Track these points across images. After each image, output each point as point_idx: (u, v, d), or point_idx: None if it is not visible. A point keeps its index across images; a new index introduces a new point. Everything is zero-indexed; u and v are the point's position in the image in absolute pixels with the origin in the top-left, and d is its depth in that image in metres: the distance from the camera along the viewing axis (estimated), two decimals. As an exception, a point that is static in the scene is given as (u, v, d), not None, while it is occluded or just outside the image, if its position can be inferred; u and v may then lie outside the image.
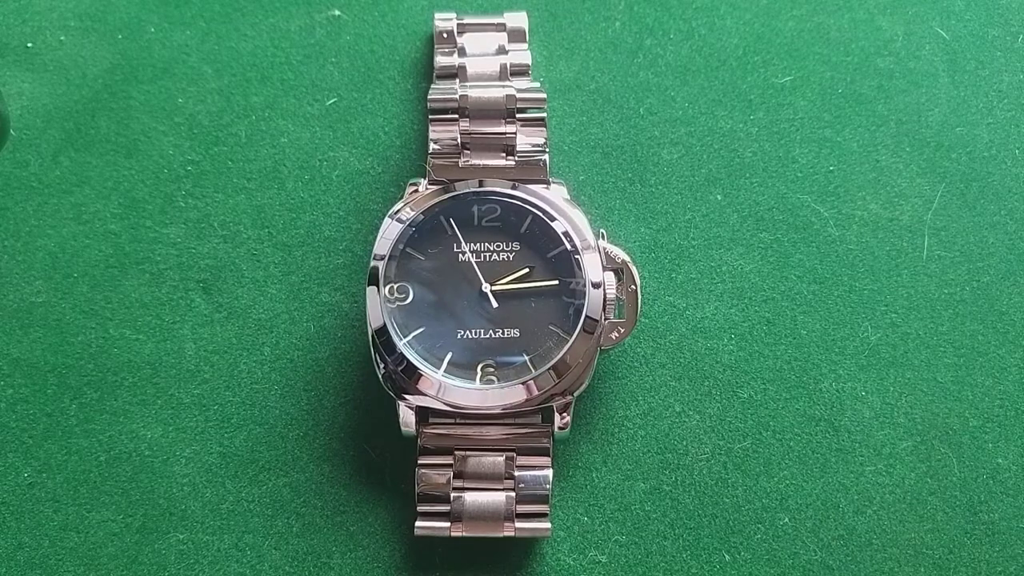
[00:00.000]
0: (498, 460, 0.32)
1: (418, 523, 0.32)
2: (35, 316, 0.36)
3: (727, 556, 0.33)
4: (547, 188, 0.33)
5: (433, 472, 0.32)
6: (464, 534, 0.32)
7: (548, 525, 0.32)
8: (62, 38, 0.39)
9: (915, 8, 0.38)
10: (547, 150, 0.33)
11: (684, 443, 0.34)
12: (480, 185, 0.33)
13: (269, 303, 0.36)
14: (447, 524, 0.32)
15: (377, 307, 0.32)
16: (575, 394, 0.32)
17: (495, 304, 0.32)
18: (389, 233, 0.33)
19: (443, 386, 0.32)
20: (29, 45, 0.39)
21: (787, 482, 0.34)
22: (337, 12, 0.39)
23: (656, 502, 0.34)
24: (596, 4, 0.39)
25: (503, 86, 0.34)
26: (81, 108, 0.38)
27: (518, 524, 0.32)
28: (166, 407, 0.35)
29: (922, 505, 0.34)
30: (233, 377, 0.35)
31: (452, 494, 0.32)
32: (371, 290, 0.32)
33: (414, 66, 0.39)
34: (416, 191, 0.33)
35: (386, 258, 0.32)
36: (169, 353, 0.35)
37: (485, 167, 0.33)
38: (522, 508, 0.32)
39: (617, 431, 0.34)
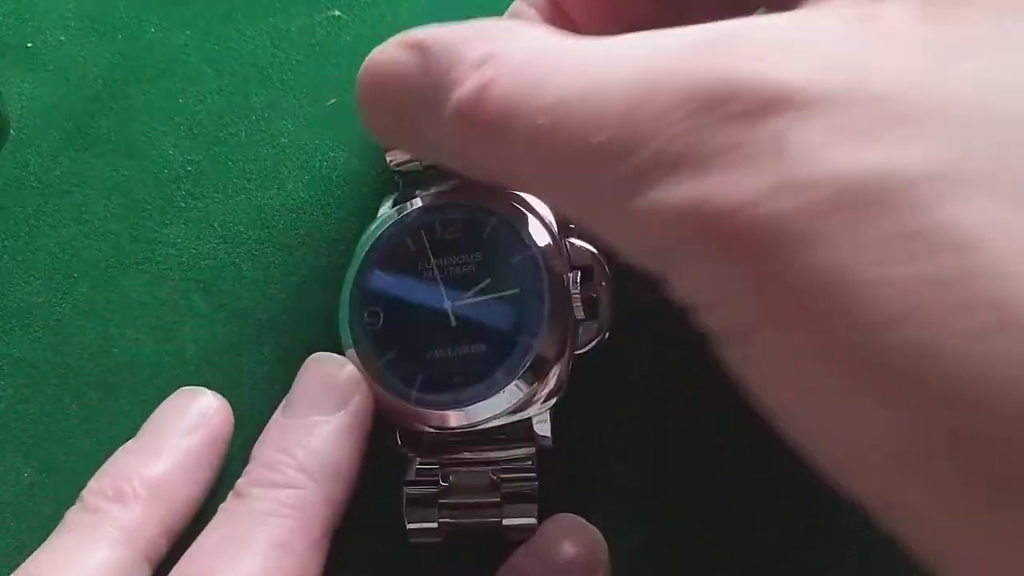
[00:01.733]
0: (484, 475, 0.32)
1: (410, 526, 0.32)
2: (35, 316, 0.36)
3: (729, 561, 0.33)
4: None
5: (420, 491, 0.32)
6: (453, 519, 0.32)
7: (535, 520, 0.32)
8: (62, 38, 0.39)
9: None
10: None
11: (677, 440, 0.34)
12: (440, 196, 0.32)
13: (269, 303, 0.36)
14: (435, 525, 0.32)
15: (348, 333, 0.32)
16: (552, 403, 0.31)
17: (455, 321, 0.31)
18: (357, 258, 0.33)
19: (415, 411, 0.31)
20: (29, 45, 0.39)
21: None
22: (337, 12, 0.39)
23: (657, 502, 0.34)
24: (596, 4, 0.39)
25: None
26: (81, 108, 0.38)
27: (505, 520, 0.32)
28: (166, 407, 0.35)
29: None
30: (233, 377, 0.35)
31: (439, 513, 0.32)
32: (343, 317, 0.33)
33: (414, 66, 0.39)
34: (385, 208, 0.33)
35: (354, 281, 0.32)
36: (169, 353, 0.35)
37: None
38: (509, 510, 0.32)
39: (610, 424, 0.34)
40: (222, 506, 0.32)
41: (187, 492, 0.32)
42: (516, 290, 0.31)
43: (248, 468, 0.32)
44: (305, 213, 0.37)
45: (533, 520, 0.32)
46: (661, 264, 0.22)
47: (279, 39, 0.39)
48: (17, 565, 0.33)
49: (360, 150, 0.38)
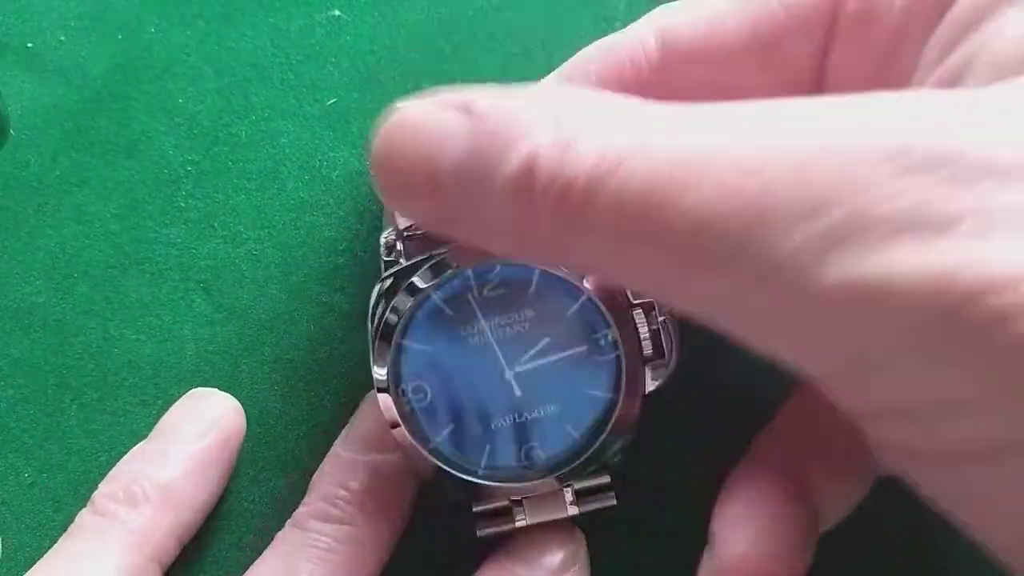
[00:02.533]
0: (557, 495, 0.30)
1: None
2: (35, 316, 0.36)
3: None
4: None
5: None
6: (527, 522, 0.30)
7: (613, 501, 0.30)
8: (62, 38, 0.39)
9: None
10: None
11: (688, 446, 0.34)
12: (467, 254, 0.29)
13: (269, 303, 0.36)
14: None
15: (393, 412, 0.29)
16: (624, 444, 0.29)
17: (519, 391, 0.29)
18: (379, 330, 0.29)
19: (485, 488, 0.29)
20: (29, 45, 0.39)
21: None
22: (337, 12, 0.39)
23: (659, 502, 0.34)
24: (596, 4, 0.39)
25: None
26: (81, 108, 0.38)
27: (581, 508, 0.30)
28: (167, 407, 0.35)
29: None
30: (233, 377, 0.35)
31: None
32: (384, 399, 0.29)
33: (414, 66, 0.39)
34: (392, 256, 0.30)
35: (388, 362, 0.29)
36: (169, 353, 0.35)
37: None
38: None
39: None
40: (279, 535, 0.32)
41: (198, 495, 0.32)
42: (582, 348, 0.29)
43: (307, 499, 0.32)
44: (305, 213, 0.37)
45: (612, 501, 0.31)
46: (852, 363, 0.17)
47: (279, 39, 0.39)
48: (17, 565, 0.33)
49: (360, 150, 0.38)
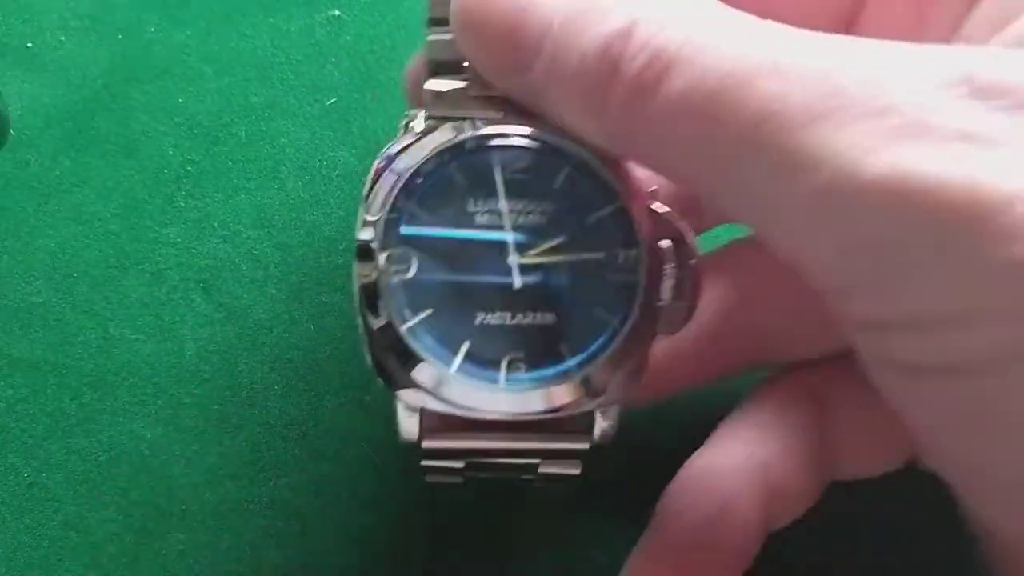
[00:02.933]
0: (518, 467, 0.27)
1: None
2: (35, 316, 0.36)
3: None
4: None
5: (443, 476, 0.27)
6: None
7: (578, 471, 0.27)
8: (62, 38, 0.39)
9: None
10: None
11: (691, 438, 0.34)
12: (500, 123, 0.25)
13: (269, 303, 0.36)
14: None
15: (370, 272, 0.25)
16: (623, 397, 0.26)
17: (521, 282, 0.25)
18: (382, 187, 0.25)
19: (457, 387, 0.25)
20: (29, 45, 0.39)
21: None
22: (337, 12, 0.39)
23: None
24: (596, 4, 0.39)
25: None
26: (81, 108, 0.38)
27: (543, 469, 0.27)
28: (166, 407, 0.35)
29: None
30: (233, 377, 0.35)
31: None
32: (361, 265, 0.25)
33: (414, 66, 0.39)
34: (410, 126, 0.26)
35: (381, 219, 0.25)
36: (169, 353, 0.35)
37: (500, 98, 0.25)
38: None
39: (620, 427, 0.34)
40: None
41: None
42: (600, 254, 0.25)
43: None
44: (305, 213, 0.37)
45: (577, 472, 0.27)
46: (881, 266, 0.19)
47: (279, 39, 0.39)
48: (18, 564, 0.33)
49: (360, 149, 0.38)
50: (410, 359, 0.25)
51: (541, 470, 0.27)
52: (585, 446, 0.26)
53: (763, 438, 0.28)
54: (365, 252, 0.25)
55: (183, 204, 0.37)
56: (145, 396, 0.35)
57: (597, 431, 0.26)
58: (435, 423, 0.26)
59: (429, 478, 0.28)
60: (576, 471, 0.27)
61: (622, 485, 0.34)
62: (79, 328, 0.36)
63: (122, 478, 0.34)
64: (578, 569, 0.34)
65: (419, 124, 0.26)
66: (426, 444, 0.26)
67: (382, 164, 0.26)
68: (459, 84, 0.26)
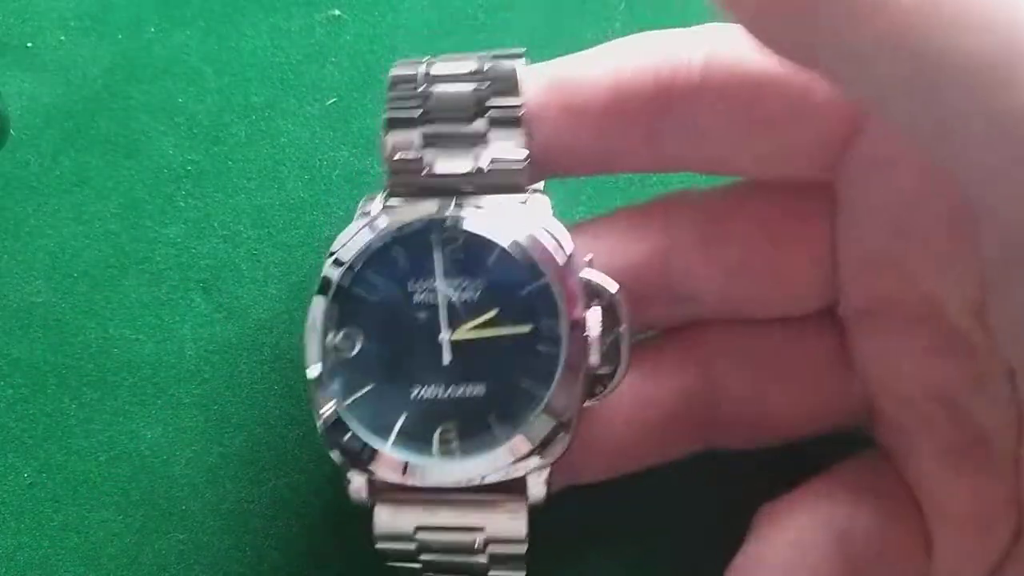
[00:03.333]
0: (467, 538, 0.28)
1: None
2: (35, 316, 0.36)
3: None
4: (524, 203, 0.28)
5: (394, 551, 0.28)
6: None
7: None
8: (62, 38, 0.39)
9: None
10: (527, 157, 0.28)
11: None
12: (438, 210, 0.27)
13: (269, 303, 0.36)
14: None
15: (316, 353, 0.27)
16: (553, 460, 0.27)
17: (449, 357, 0.27)
18: (330, 272, 0.28)
19: (392, 460, 0.27)
20: (29, 45, 0.39)
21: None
22: (337, 12, 0.39)
23: (660, 502, 0.34)
24: (596, 4, 0.39)
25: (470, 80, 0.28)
26: (81, 108, 0.38)
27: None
28: (166, 407, 0.35)
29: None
30: (233, 377, 0.35)
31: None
32: (311, 339, 0.27)
33: (414, 66, 0.39)
34: (369, 210, 0.28)
35: (327, 300, 0.27)
36: (169, 353, 0.35)
37: (451, 176, 0.28)
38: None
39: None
40: None
41: None
42: (527, 327, 0.27)
43: None
44: (305, 213, 0.37)
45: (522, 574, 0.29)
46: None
47: (279, 39, 0.39)
48: (18, 564, 0.33)
49: (360, 149, 0.38)
50: (351, 437, 0.27)
51: (488, 544, 0.28)
52: (522, 511, 0.27)
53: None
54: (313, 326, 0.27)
55: (183, 204, 0.37)
56: (145, 396, 0.35)
57: (531, 492, 0.27)
58: (383, 488, 0.28)
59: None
60: (521, 550, 0.28)
61: (622, 486, 0.34)
62: (79, 328, 0.36)
63: (122, 478, 0.34)
64: (578, 569, 0.34)
65: (376, 206, 0.28)
66: (378, 509, 0.28)
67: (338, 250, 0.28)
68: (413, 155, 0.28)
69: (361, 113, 0.38)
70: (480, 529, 0.27)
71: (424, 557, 0.28)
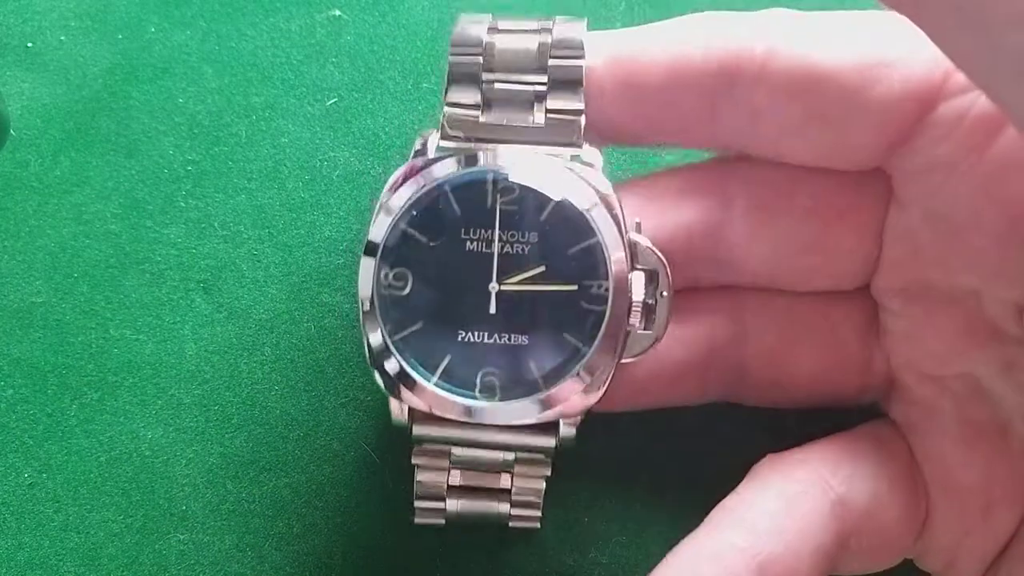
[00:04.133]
0: (496, 460, 0.30)
1: (417, 519, 0.31)
2: (35, 316, 0.36)
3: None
4: (576, 157, 0.29)
5: (430, 472, 0.30)
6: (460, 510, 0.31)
7: (537, 525, 0.31)
8: (62, 38, 0.39)
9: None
10: (582, 111, 0.29)
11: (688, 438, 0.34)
12: (495, 158, 0.28)
13: (269, 303, 0.36)
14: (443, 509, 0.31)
15: (370, 288, 0.28)
16: (585, 411, 0.29)
17: (496, 306, 0.28)
18: (387, 211, 0.29)
19: (435, 395, 0.28)
20: (29, 45, 0.39)
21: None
22: (337, 12, 0.39)
23: (659, 502, 0.34)
24: (596, 4, 0.39)
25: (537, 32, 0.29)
26: (81, 108, 0.38)
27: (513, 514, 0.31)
28: (166, 407, 0.35)
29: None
30: (234, 378, 0.35)
31: (447, 500, 0.30)
32: (366, 262, 0.28)
33: (414, 66, 0.39)
34: (423, 148, 0.29)
35: (383, 241, 0.28)
36: (169, 353, 0.35)
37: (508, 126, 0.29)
38: (515, 512, 0.30)
39: (617, 424, 0.34)
40: None
41: None
42: (573, 286, 0.28)
43: None
44: (305, 213, 0.37)
45: (536, 525, 0.31)
46: None
47: (279, 39, 0.39)
48: (18, 564, 0.33)
49: (360, 150, 0.37)
50: (398, 368, 0.28)
51: (516, 478, 0.30)
52: (551, 444, 0.29)
53: (766, 529, 0.27)
54: (372, 250, 0.28)
55: (183, 204, 0.37)
56: (145, 396, 0.35)
57: (561, 434, 0.29)
58: (422, 413, 0.29)
59: (419, 519, 0.31)
60: (536, 524, 0.30)
61: (623, 486, 0.34)
62: (79, 328, 0.36)
63: (122, 479, 0.34)
64: (578, 569, 0.34)
65: (432, 147, 0.29)
66: (416, 430, 0.29)
67: (399, 178, 0.29)
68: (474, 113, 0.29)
69: (361, 113, 0.38)
70: (509, 448, 0.29)
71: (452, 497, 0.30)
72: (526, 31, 0.29)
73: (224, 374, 0.35)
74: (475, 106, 0.29)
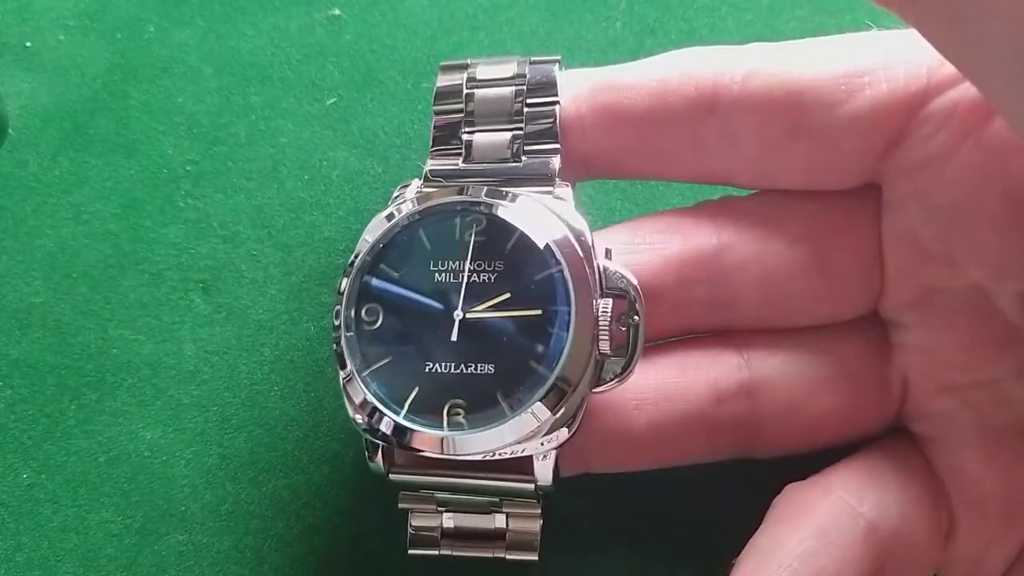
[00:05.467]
0: (482, 502, 0.29)
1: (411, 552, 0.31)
2: (34, 316, 0.36)
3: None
4: (550, 191, 0.30)
5: (422, 516, 0.30)
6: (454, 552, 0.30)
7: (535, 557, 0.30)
8: (61, 37, 0.39)
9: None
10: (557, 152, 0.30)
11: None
12: (463, 192, 0.29)
13: (269, 303, 0.36)
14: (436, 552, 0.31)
15: (344, 325, 0.29)
16: (558, 445, 0.28)
17: (458, 335, 0.28)
18: (361, 248, 0.30)
19: (404, 429, 0.28)
20: (28, 44, 0.39)
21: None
22: (337, 12, 0.39)
23: (660, 504, 0.34)
24: (596, 4, 0.39)
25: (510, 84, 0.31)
26: (80, 108, 0.38)
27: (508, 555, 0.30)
28: (165, 408, 0.35)
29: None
30: (233, 378, 0.35)
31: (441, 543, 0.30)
32: (344, 314, 0.29)
33: (414, 66, 0.38)
34: (403, 194, 0.31)
35: (352, 274, 0.29)
36: (168, 354, 0.35)
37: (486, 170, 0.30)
38: (511, 553, 0.30)
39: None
40: None
41: None
42: (538, 311, 0.28)
43: None
44: (305, 213, 0.37)
45: (534, 559, 0.30)
46: None
47: (279, 38, 0.39)
48: (17, 565, 0.33)
49: (360, 149, 0.37)
50: (367, 405, 0.28)
51: (509, 518, 0.30)
52: (530, 487, 0.28)
53: (804, 571, 0.27)
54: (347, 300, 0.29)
55: (182, 204, 0.37)
56: (144, 397, 0.35)
57: (538, 474, 0.28)
58: (400, 460, 0.29)
59: (412, 550, 0.30)
60: (535, 526, 0.30)
61: (623, 487, 0.34)
62: (78, 329, 0.36)
63: (121, 479, 0.34)
64: (578, 569, 0.34)
65: (411, 191, 0.30)
66: (393, 477, 0.29)
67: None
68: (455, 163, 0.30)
69: (361, 113, 0.38)
70: (488, 492, 0.29)
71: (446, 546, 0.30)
72: (502, 81, 0.31)
73: (223, 374, 0.35)
74: (456, 154, 0.30)
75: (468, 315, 0.28)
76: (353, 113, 0.38)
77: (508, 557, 0.30)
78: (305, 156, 0.37)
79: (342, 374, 0.29)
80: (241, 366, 0.35)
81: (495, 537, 0.30)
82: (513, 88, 0.31)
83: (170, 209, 0.37)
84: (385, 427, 0.28)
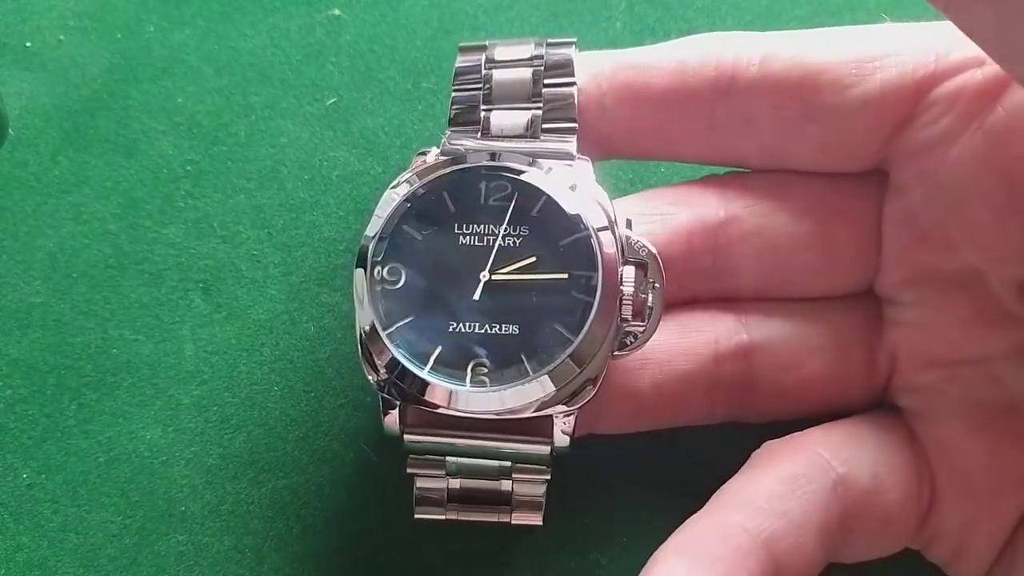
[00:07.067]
0: (492, 467, 0.30)
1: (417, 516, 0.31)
2: (33, 316, 0.36)
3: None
4: (570, 165, 0.30)
5: (428, 479, 0.30)
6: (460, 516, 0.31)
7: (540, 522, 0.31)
8: (61, 37, 0.39)
9: (918, 10, 0.38)
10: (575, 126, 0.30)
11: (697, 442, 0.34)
12: (492, 159, 0.30)
13: (269, 303, 0.36)
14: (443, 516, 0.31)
15: (364, 294, 0.29)
16: (579, 406, 0.28)
17: (486, 296, 0.29)
18: (383, 209, 0.30)
19: (425, 384, 0.28)
20: (28, 44, 0.39)
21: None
22: (337, 12, 0.39)
23: (660, 503, 0.34)
24: (596, 4, 0.39)
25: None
26: (80, 108, 0.38)
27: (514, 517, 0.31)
28: (165, 408, 0.35)
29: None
30: (233, 378, 0.35)
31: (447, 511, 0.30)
32: (359, 272, 0.29)
33: (414, 66, 0.38)
34: (423, 160, 0.30)
35: (377, 236, 0.29)
36: (168, 354, 0.35)
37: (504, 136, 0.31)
38: (516, 515, 0.31)
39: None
40: None
41: None
42: (564, 275, 0.29)
43: None
44: (305, 213, 0.37)
45: (539, 522, 0.30)
46: None
47: (279, 38, 0.39)
48: (17, 565, 0.33)
49: (360, 149, 0.37)
50: (391, 361, 0.28)
51: (516, 483, 0.30)
52: (546, 450, 0.29)
53: (770, 509, 0.27)
54: (363, 259, 0.29)
55: (182, 204, 0.37)
56: (144, 397, 0.35)
57: (556, 436, 0.29)
58: (414, 420, 0.29)
59: (418, 513, 0.31)
60: (541, 489, 0.30)
61: (624, 486, 0.34)
62: (78, 329, 0.36)
63: (121, 479, 0.34)
64: (578, 569, 0.34)
65: (431, 156, 0.30)
66: (407, 438, 0.29)
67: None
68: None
69: (361, 113, 0.38)
70: (504, 456, 0.29)
71: (452, 508, 0.30)
72: (520, 62, 0.31)
73: (223, 374, 0.35)
74: (474, 132, 0.31)
75: (494, 277, 0.29)
76: (353, 113, 0.38)
77: (513, 521, 0.30)
78: (305, 156, 0.37)
79: (363, 330, 0.29)
80: (241, 366, 0.35)
81: (500, 501, 0.30)
82: (531, 69, 0.31)
83: (170, 209, 0.37)
84: (407, 383, 0.28)
